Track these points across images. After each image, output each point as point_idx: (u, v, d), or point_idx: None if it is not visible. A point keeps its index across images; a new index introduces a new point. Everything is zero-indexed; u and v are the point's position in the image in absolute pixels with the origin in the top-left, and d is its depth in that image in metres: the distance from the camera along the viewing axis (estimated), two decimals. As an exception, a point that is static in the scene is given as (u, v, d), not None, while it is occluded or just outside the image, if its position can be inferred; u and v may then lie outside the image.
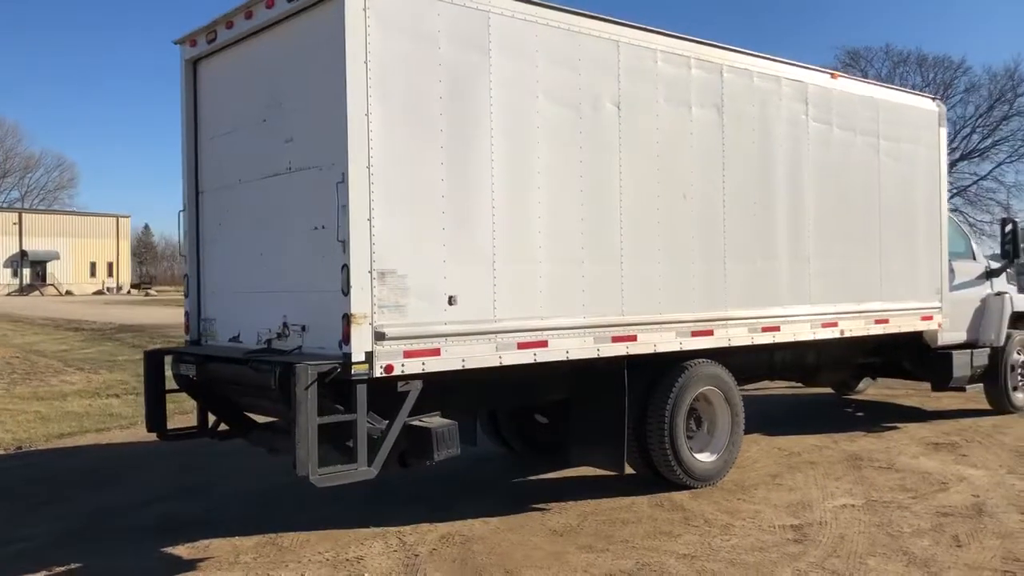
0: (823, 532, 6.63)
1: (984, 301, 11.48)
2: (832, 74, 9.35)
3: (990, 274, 11.72)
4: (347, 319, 5.78)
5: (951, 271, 10.74)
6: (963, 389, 11.10)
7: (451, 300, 6.27)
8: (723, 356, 8.19)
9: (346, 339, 5.80)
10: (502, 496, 7.76)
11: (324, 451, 5.79)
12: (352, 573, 5.88)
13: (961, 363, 10.74)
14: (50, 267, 77.61)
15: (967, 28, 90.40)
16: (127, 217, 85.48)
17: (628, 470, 7.68)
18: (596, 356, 7.11)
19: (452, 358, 6.27)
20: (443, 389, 6.37)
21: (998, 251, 12.18)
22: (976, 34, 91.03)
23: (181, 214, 7.64)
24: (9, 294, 70.10)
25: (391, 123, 5.97)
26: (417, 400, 6.19)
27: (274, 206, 6.67)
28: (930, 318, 10.27)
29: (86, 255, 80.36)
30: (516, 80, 6.66)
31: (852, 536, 6.52)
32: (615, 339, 7.23)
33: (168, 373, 7.41)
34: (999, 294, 11.61)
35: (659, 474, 7.80)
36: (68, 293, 72.77)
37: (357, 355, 5.78)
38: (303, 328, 6.34)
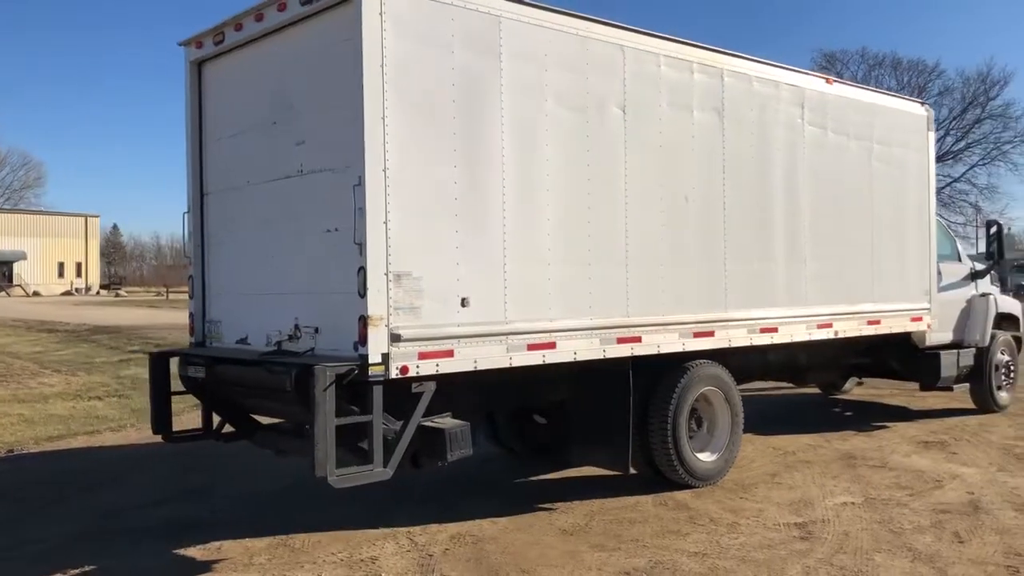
0: (827, 529, 6.75)
1: (969, 302, 11.71)
2: (827, 79, 9.50)
3: (975, 275, 11.95)
4: (364, 321, 5.82)
5: (938, 273, 10.94)
6: (950, 388, 11.30)
7: (463, 302, 6.32)
8: (722, 357, 8.31)
9: (363, 341, 5.84)
10: (506, 496, 7.81)
11: (337, 453, 5.81)
12: (368, 573, 5.91)
13: (948, 363, 10.94)
14: (16, 267, 76.47)
15: (941, 32, 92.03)
16: (96, 217, 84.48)
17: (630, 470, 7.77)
18: (602, 357, 7.19)
19: (465, 359, 6.32)
20: (452, 390, 6.42)
21: (977, 252, 12.42)
22: (949, 38, 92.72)
23: (186, 216, 7.63)
24: (-25, 295, 69.13)
25: (406, 126, 6.02)
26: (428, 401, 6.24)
27: (284, 208, 6.68)
28: (920, 319, 10.47)
29: (54, 255, 79.28)
30: (526, 84, 6.72)
31: (856, 533, 6.65)
32: (620, 340, 7.31)
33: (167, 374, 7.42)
34: (984, 295, 11.85)
35: (661, 474, 7.89)
36: (36, 294, 71.76)
37: (374, 356, 5.82)
38: (316, 330, 6.36)
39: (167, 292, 63.62)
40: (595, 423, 7.67)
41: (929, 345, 10.94)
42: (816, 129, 9.14)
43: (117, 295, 70.29)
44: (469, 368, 6.35)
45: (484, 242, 6.46)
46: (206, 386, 7.11)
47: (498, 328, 6.51)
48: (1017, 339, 12.35)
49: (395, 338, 5.91)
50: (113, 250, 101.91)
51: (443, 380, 6.25)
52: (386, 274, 5.89)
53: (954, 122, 49.05)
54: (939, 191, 47.42)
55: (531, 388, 7.46)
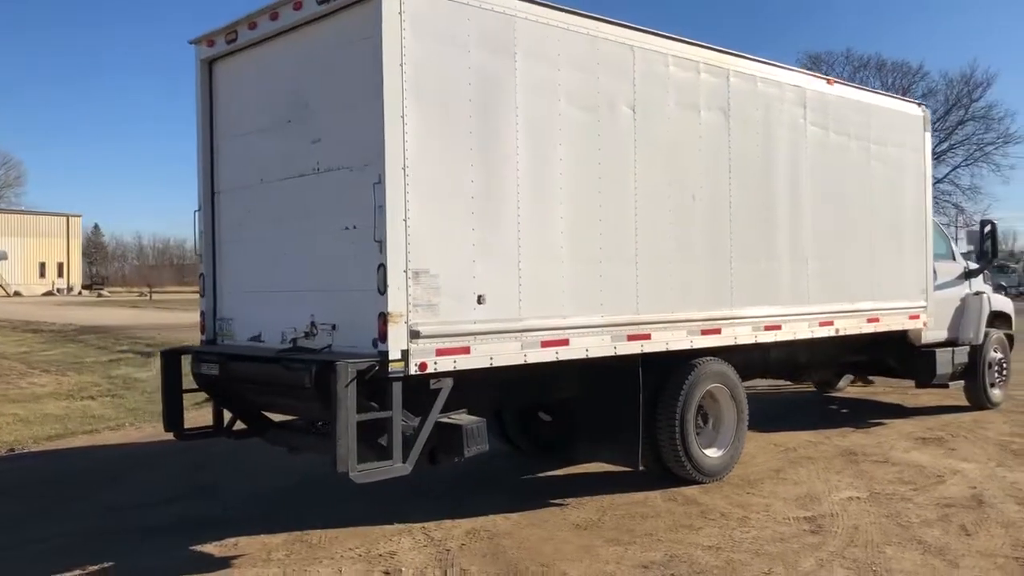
0: (836, 523, 6.85)
1: (964, 301, 11.87)
2: (828, 80, 9.62)
3: (969, 274, 12.12)
4: (383, 318, 5.86)
5: (934, 272, 11.07)
6: (946, 386, 11.46)
7: (480, 299, 6.37)
8: (726, 354, 8.40)
9: (382, 337, 5.88)
10: (515, 492, 7.87)
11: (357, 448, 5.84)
12: (388, 568, 5.96)
13: (944, 361, 11.10)
14: (-3, 268, 75.94)
15: (928, 34, 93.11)
16: (78, 217, 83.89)
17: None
18: (613, 354, 7.27)
19: (481, 356, 6.38)
20: (467, 387, 6.47)
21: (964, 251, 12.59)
22: (933, 40, 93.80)
23: (197, 214, 7.64)
24: (-45, 296, 68.52)
25: (424, 125, 6.07)
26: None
27: (299, 206, 6.71)
28: (917, 317, 10.61)
29: (35, 255, 78.63)
30: (540, 83, 6.78)
31: (865, 527, 6.75)
32: (631, 337, 7.39)
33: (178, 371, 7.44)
34: (977, 294, 12.01)
35: (668, 470, 7.97)
36: (16, 294, 71.17)
37: (393, 353, 5.87)
38: (333, 327, 6.39)
39: (150, 292, 63.20)
40: (605, 420, 7.74)
41: (925, 343, 11.08)
42: (818, 129, 9.25)
43: (99, 295, 69.83)
44: (485, 365, 6.41)
45: (499, 240, 6.52)
46: (219, 383, 7.12)
47: (513, 325, 6.57)
48: (1009, 337, 12.53)
49: (414, 335, 5.97)
50: (95, 250, 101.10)
51: (458, 377, 6.31)
52: (405, 271, 5.94)
53: (937, 123, 49.52)
54: (923, 192, 47.80)
55: (542, 385, 7.54)
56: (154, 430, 11.48)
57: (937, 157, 49.64)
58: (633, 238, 7.45)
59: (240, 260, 7.38)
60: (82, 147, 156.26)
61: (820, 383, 13.31)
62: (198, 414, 10.11)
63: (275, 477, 8.52)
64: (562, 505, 7.39)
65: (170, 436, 10.68)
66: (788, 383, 12.13)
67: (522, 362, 6.64)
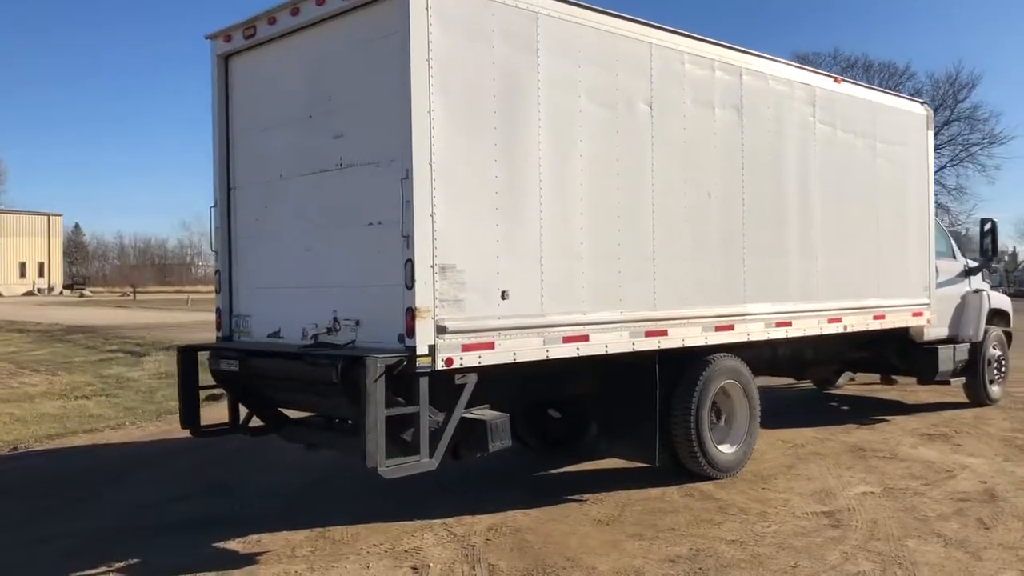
0: (854, 518, 6.89)
1: (964, 298, 11.98)
2: (835, 78, 9.69)
3: (968, 272, 12.23)
4: (411, 313, 5.86)
5: (935, 269, 11.17)
6: (947, 382, 11.56)
7: (504, 295, 6.38)
8: (738, 350, 8.44)
9: (410, 332, 5.88)
10: (531, 488, 7.88)
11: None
12: (416, 563, 5.95)
13: (945, 358, 11.19)
14: (-23, 268, 75.27)
15: (913, 36, 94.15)
16: (59, 216, 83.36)
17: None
18: (632, 350, 7.29)
19: (505, 351, 6.39)
20: (488, 382, 6.47)
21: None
22: (920, 41, 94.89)
23: (212, 210, 7.60)
24: (-65, 296, 67.82)
25: (450, 120, 6.07)
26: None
27: (321, 202, 6.70)
28: (920, 314, 10.70)
29: (15, 255, 77.98)
30: (561, 80, 6.80)
31: (884, 521, 6.80)
32: (648, 333, 7.41)
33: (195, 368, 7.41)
34: (977, 291, 12.13)
35: (682, 466, 8.00)
36: (-3, 294, 70.67)
37: (421, 348, 5.87)
38: (357, 322, 6.39)
39: (134, 292, 62.78)
40: (622, 416, 7.76)
41: (926, 340, 11.18)
42: (826, 127, 9.32)
43: (81, 295, 69.34)
44: (509, 360, 6.42)
45: (523, 236, 6.53)
46: (239, 380, 7.08)
47: (536, 321, 6.58)
48: (1007, 334, 12.65)
49: (441, 330, 5.97)
50: (75, 249, 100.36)
51: (481, 372, 6.31)
52: (432, 266, 5.94)
53: (923, 124, 49.81)
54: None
55: (559, 381, 7.55)
56: (156, 429, 11.47)
57: (924, 157, 50.00)
58: (650, 235, 7.47)
59: (257, 256, 7.35)
60: (62, 145, 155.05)
61: (819, 380, 13.38)
62: (204, 411, 10.13)
63: (288, 474, 8.50)
64: (580, 501, 7.41)
65: (174, 435, 10.79)
66: (783, 380, 12.15)
67: (544, 358, 6.66)
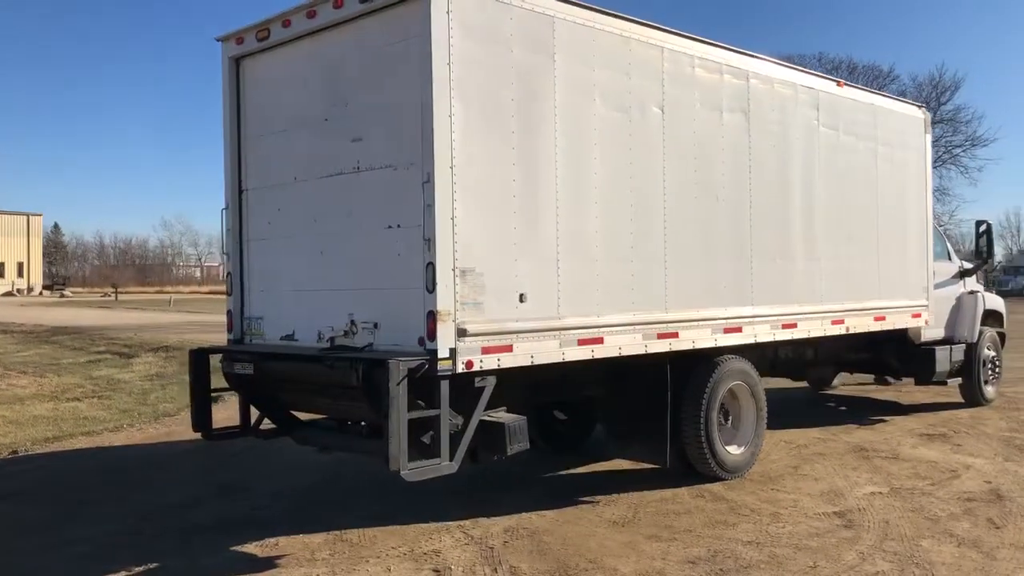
0: (866, 518, 6.96)
1: (959, 299, 12.12)
2: (839, 82, 9.79)
3: (963, 274, 12.37)
4: (432, 316, 5.87)
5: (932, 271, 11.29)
6: (944, 383, 11.69)
7: (522, 297, 6.41)
8: (743, 352, 8.50)
9: (431, 335, 5.89)
10: (541, 490, 7.91)
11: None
12: (438, 566, 5.96)
13: (943, 358, 11.33)
14: (-46, 268, 74.50)
15: (897, 39, 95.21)
16: (39, 216, 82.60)
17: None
18: (644, 352, 7.33)
19: (523, 354, 6.42)
20: (505, 385, 6.49)
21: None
22: (904, 44, 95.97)
23: (224, 212, 7.58)
24: (-88, 296, 67.04)
25: (471, 124, 6.09)
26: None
27: (338, 205, 6.70)
28: (919, 315, 10.82)
29: (-6, 255, 77.36)
30: (577, 83, 6.83)
31: (895, 521, 6.87)
32: (660, 336, 7.46)
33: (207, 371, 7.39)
34: (972, 293, 12.27)
35: (692, 467, 8.06)
36: (-25, 295, 69.95)
37: (442, 351, 5.89)
38: (375, 325, 6.39)
39: (116, 293, 62.29)
40: (633, 418, 7.81)
41: (923, 341, 11.29)
42: (829, 130, 9.40)
43: (62, 295, 68.76)
44: (527, 363, 6.44)
45: (540, 239, 6.56)
46: (252, 383, 7.07)
47: (552, 324, 6.62)
48: (1001, 335, 12.80)
49: (461, 333, 5.98)
50: (54, 249, 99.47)
51: (502, 375, 6.33)
52: (453, 270, 5.95)
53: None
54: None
55: (571, 383, 7.59)
56: (156, 431, 11.42)
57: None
58: (662, 238, 7.52)
59: (270, 258, 7.34)
60: (37, 143, 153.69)
61: (815, 381, 13.47)
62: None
63: (296, 475, 8.49)
64: (593, 503, 7.44)
65: (175, 436, 10.77)
66: (778, 382, 12.23)
67: (560, 360, 6.69)
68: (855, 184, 9.85)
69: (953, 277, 12.20)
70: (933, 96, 48.90)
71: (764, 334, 8.52)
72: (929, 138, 11.26)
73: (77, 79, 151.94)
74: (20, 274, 78.90)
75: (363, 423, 7.08)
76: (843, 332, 9.58)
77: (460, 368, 5.98)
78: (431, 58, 5.87)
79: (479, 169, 6.14)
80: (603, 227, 7.03)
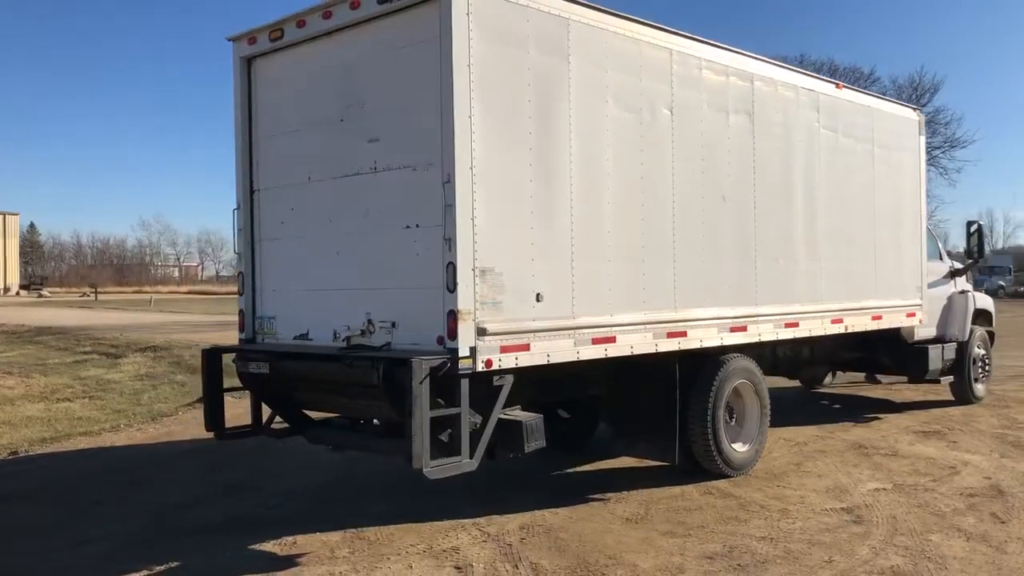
0: (874, 514, 7.08)
1: (950, 299, 12.31)
2: (838, 84, 9.93)
3: (954, 273, 12.56)
4: (453, 315, 5.93)
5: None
6: (937, 381, 11.87)
7: (538, 297, 6.47)
8: (747, 351, 8.61)
9: (451, 335, 5.95)
10: (550, 488, 7.98)
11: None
12: (459, 563, 6.01)
13: (935, 357, 11.50)
14: (-71, 267, 73.64)
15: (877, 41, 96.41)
16: (15, 215, 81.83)
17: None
18: (654, 351, 7.42)
19: (540, 353, 6.48)
20: (520, 383, 6.55)
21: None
22: (884, 46, 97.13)
23: (235, 212, 7.60)
24: None
25: (489, 125, 6.14)
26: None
27: (354, 205, 6.74)
28: (913, 315, 10.98)
29: (-32, 255, 76.51)
30: (590, 84, 6.91)
31: (903, 516, 6.99)
32: (669, 335, 7.55)
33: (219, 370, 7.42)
34: (963, 292, 12.47)
35: (698, 464, 8.15)
36: (-49, 295, 69.19)
37: (463, 350, 5.94)
38: (393, 324, 6.43)
39: (95, 293, 61.76)
40: (641, 416, 7.89)
41: (916, 340, 11.47)
42: (829, 132, 9.54)
43: (40, 295, 68.08)
44: (543, 362, 6.51)
45: (555, 238, 6.63)
46: (267, 382, 7.09)
47: (568, 323, 6.69)
48: (990, 334, 13.00)
49: (481, 332, 6.04)
50: (30, 249, 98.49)
51: (519, 373, 6.40)
52: (473, 269, 6.01)
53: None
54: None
55: (581, 381, 7.66)
56: (156, 431, 11.40)
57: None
58: (671, 238, 7.61)
59: (283, 258, 7.36)
60: (16, 142, 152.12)
61: (807, 379, 13.61)
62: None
63: (307, 475, 8.52)
64: (603, 500, 7.52)
65: (176, 436, 10.77)
66: (774, 381, 12.37)
67: (575, 359, 6.76)
68: (854, 185, 9.99)
69: (944, 277, 12.39)
70: (913, 98, 49.34)
71: (768, 333, 8.63)
72: (923, 140, 11.42)
73: (48, 77, 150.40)
74: (-4, 274, 78.12)
75: (376, 421, 7.14)
76: (842, 331, 9.72)
77: (480, 367, 6.04)
78: (452, 59, 5.93)
79: (498, 169, 6.20)
80: (615, 227, 7.11)
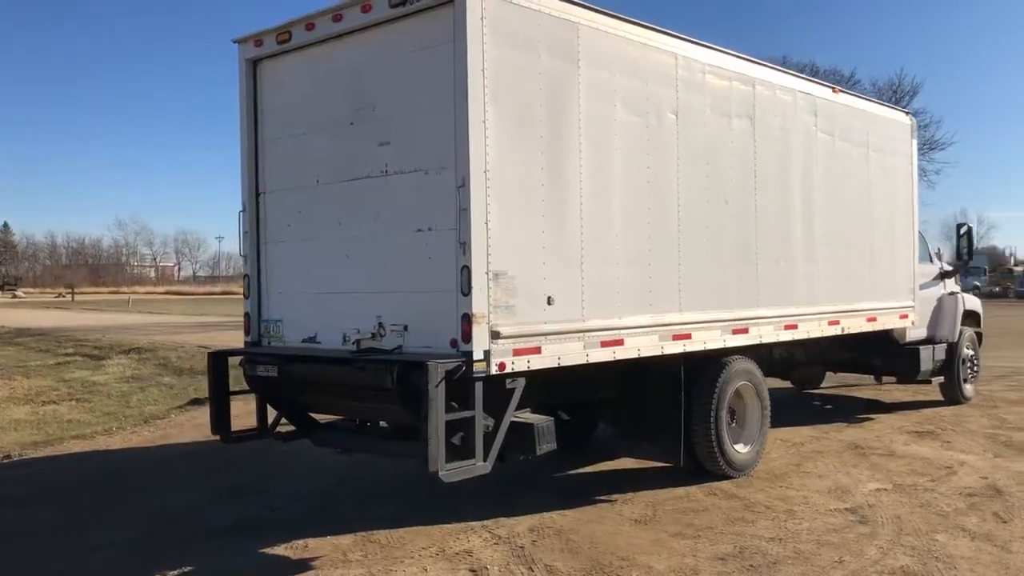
0: (878, 514, 7.16)
1: (940, 300, 12.47)
2: (834, 88, 10.02)
3: (944, 275, 12.71)
4: (468, 319, 5.94)
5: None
6: (929, 382, 12.02)
7: (549, 300, 6.50)
8: (747, 353, 8.68)
9: (466, 338, 5.96)
10: (556, 490, 8.01)
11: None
12: (473, 566, 6.03)
13: (926, 358, 11.64)
14: (-100, 268, 72.57)
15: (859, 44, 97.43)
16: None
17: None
18: (660, 354, 7.47)
19: (551, 356, 6.51)
20: (531, 386, 6.58)
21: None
22: (863, 48, 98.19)
23: (241, 215, 7.58)
24: None
25: (502, 129, 6.16)
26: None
27: (363, 208, 6.73)
28: (906, 316, 11.11)
29: (-59, 255, 75.51)
30: (599, 89, 6.95)
31: (906, 516, 7.08)
32: (675, 337, 7.61)
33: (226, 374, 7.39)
34: (952, 294, 12.63)
35: (701, 465, 8.21)
36: (-77, 295, 68.22)
37: (477, 354, 5.96)
38: (405, 328, 6.43)
39: (72, 293, 61.16)
40: (646, 418, 7.94)
41: (907, 341, 11.60)
42: (826, 136, 9.64)
43: (14, 296, 67.33)
44: (554, 365, 6.54)
45: (566, 242, 6.66)
46: (274, 385, 7.07)
47: (577, 326, 6.72)
48: (979, 335, 13.18)
49: (495, 335, 6.06)
50: (4, 249, 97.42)
51: (531, 376, 6.42)
52: (487, 273, 6.03)
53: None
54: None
55: (586, 384, 7.70)
56: (151, 434, 11.33)
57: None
58: (676, 241, 7.67)
59: (290, 261, 7.34)
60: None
61: (800, 380, 13.73)
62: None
63: (311, 479, 8.50)
64: (610, 501, 7.56)
65: (172, 439, 10.71)
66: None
67: (584, 362, 6.80)
68: (850, 188, 10.10)
69: (935, 279, 12.54)
70: (893, 100, 49.78)
71: (768, 335, 8.71)
72: (915, 143, 11.57)
73: (27, 74, 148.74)
74: (-31, 274, 77.15)
75: (383, 424, 7.15)
76: (839, 332, 9.82)
77: (494, 370, 6.05)
78: (467, 63, 5.94)
79: (510, 173, 6.22)
80: (623, 230, 7.15)
